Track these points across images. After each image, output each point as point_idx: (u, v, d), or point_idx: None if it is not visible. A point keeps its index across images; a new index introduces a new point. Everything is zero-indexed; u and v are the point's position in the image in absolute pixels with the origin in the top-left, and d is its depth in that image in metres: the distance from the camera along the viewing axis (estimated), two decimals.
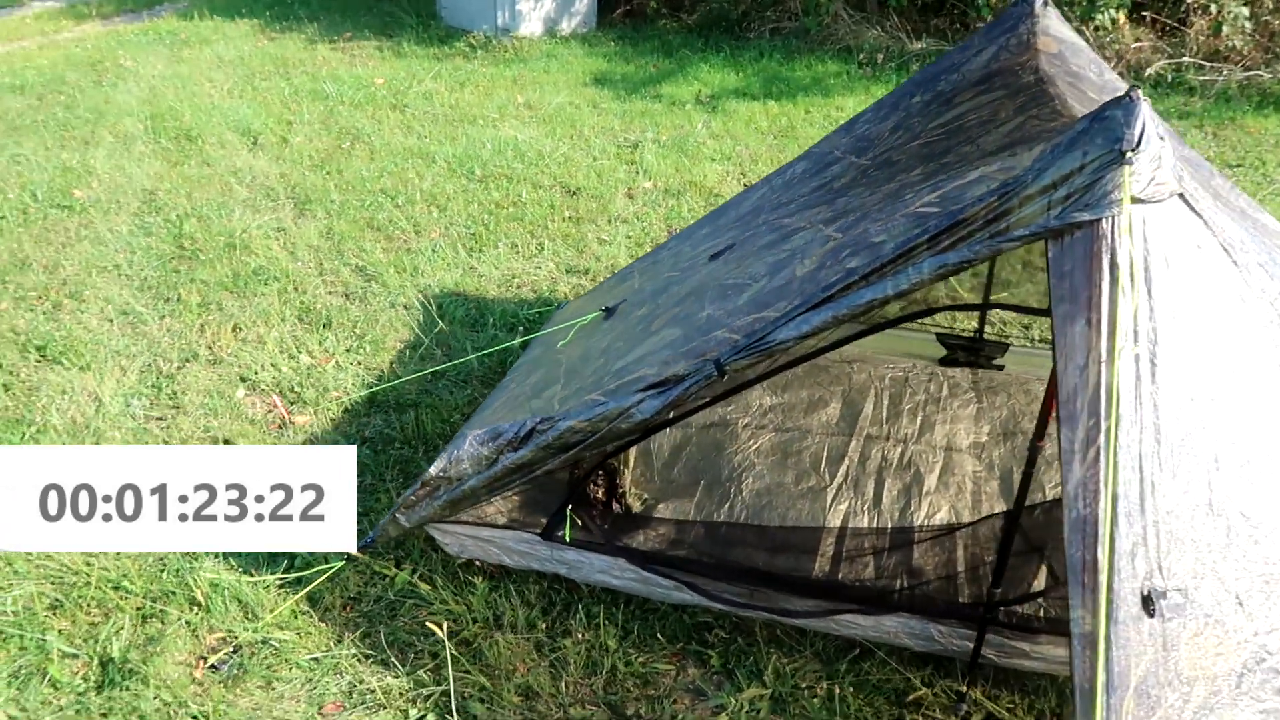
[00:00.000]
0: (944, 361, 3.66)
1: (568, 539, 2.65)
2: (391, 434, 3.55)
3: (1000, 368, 3.58)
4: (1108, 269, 1.73)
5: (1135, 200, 1.73)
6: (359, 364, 4.07)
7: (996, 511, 2.83)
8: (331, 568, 2.75)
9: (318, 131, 7.21)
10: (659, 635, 2.66)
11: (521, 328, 4.35)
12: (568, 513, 2.68)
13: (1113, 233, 1.73)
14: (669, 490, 3.00)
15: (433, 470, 2.49)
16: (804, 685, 2.52)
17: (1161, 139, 1.75)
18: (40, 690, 2.44)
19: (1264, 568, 1.72)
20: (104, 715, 2.38)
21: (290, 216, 5.60)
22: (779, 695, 2.49)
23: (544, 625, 2.68)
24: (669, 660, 2.60)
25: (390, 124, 7.46)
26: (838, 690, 2.49)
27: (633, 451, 3.11)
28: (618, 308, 3.23)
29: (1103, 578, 1.66)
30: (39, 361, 3.95)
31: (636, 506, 2.95)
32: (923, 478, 2.97)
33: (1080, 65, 2.94)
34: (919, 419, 3.21)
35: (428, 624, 2.56)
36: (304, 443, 3.51)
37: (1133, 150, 1.71)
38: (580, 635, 2.65)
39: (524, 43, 10.10)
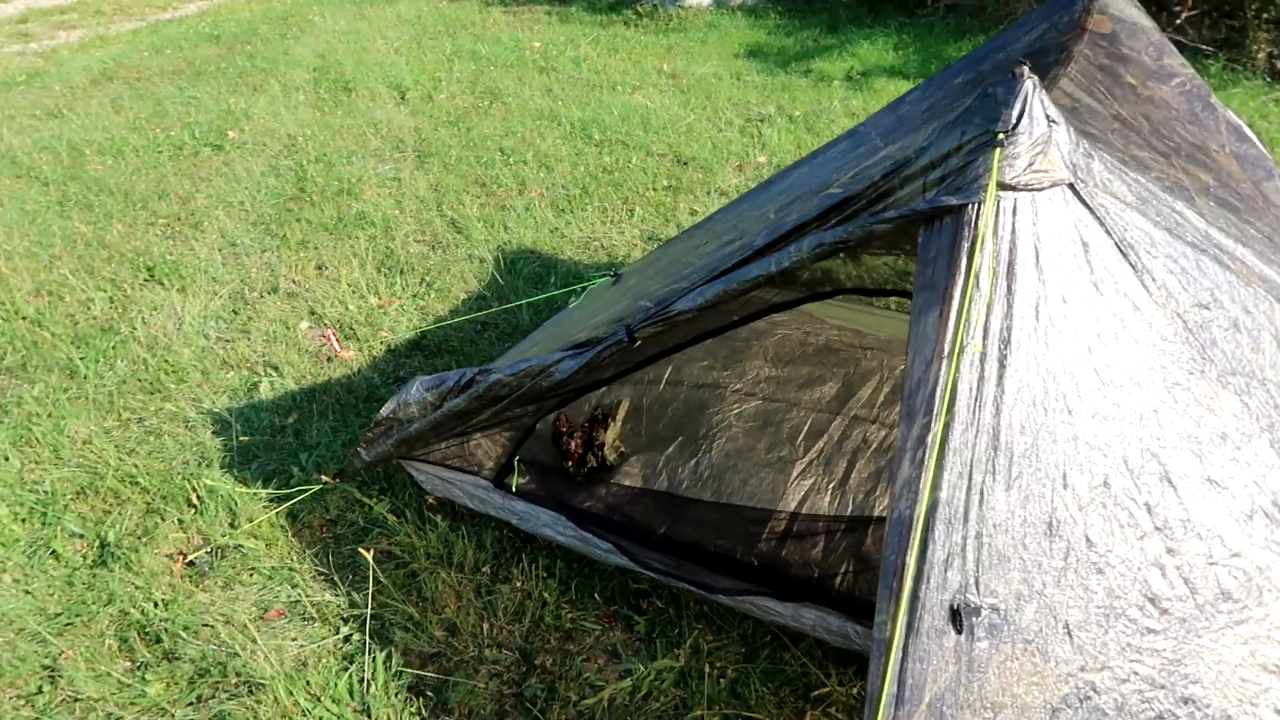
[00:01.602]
0: None
1: (514, 489, 2.72)
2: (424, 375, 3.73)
3: None
4: (965, 259, 1.60)
5: (1004, 187, 1.59)
6: (419, 309, 4.29)
7: None
8: (311, 489, 2.95)
9: (463, 90, 7.54)
10: (596, 595, 2.69)
11: (581, 288, 4.42)
12: (515, 462, 2.74)
13: (976, 220, 1.59)
14: (647, 444, 3.01)
15: (384, 411, 2.62)
16: (718, 664, 2.48)
17: (1053, 122, 1.60)
18: (44, 561, 2.78)
19: (1105, 600, 1.56)
20: (86, 588, 2.69)
21: (409, 168, 5.92)
22: (689, 671, 2.47)
23: (488, 570, 2.77)
24: (597, 620, 2.63)
25: (532, 86, 7.69)
26: (750, 675, 2.44)
27: (625, 404, 3.14)
28: (624, 274, 3.25)
29: (908, 584, 1.56)
30: (145, 280, 4.42)
31: (612, 459, 2.98)
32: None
33: (1134, 48, 2.67)
34: None
35: (360, 550, 2.71)
36: (344, 376, 3.75)
37: (1008, 132, 1.57)
38: (519, 584, 2.72)
39: (689, 12, 10.08)
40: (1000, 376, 1.57)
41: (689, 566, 2.53)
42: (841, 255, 2.43)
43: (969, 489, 1.56)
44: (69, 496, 3.02)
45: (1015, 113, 1.57)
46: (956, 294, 1.59)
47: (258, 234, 4.97)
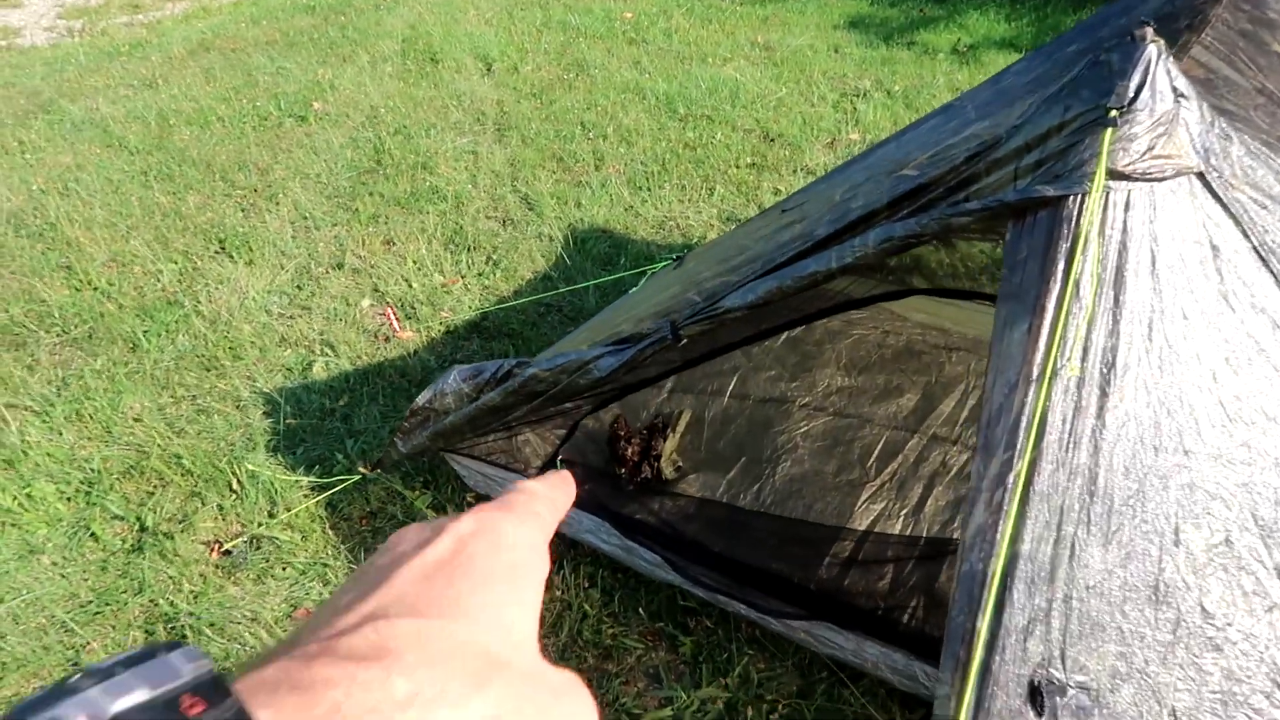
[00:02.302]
0: None
1: None
2: (482, 360, 3.58)
3: None
4: (1063, 262, 1.31)
5: (1116, 175, 1.30)
6: (484, 288, 4.13)
7: None
8: (351, 479, 2.82)
9: (549, 61, 7.35)
10: (640, 609, 2.49)
11: (653, 268, 4.20)
12: (558, 461, 2.55)
13: (1078, 216, 1.31)
14: (706, 462, 2.78)
15: (419, 400, 2.46)
16: (769, 698, 2.26)
17: (1181, 96, 1.30)
18: (83, 544, 2.73)
19: (1223, 684, 1.27)
20: (119, 575, 2.62)
21: (487, 141, 5.78)
22: (736, 703, 2.25)
23: None
24: (640, 638, 2.43)
25: (620, 58, 7.45)
26: (804, 714, 2.21)
27: (686, 416, 2.92)
28: (686, 259, 3.02)
29: (979, 653, 1.30)
30: (216, 253, 4.38)
31: (669, 473, 2.76)
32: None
33: None
34: None
35: None
36: (399, 357, 3.63)
37: (1123, 108, 1.28)
38: (558, 593, 2.54)
39: None
40: (1101, 408, 1.29)
41: (742, 588, 2.30)
42: (934, 243, 2.16)
43: (1057, 542, 1.29)
44: (115, 476, 2.97)
45: (1133, 85, 1.28)
46: (1050, 305, 1.31)
47: (330, 207, 4.89)
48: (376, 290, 4.10)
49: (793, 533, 2.46)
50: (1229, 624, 1.28)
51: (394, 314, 3.89)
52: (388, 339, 3.76)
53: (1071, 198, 1.31)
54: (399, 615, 0.34)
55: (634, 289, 3.16)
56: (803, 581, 2.32)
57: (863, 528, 2.48)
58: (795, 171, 5.27)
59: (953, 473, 2.60)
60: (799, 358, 3.03)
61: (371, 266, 4.28)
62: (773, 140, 5.74)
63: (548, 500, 0.44)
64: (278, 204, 4.90)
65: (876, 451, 2.70)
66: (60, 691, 0.30)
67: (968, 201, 1.44)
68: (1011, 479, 1.31)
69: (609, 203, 4.94)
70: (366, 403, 3.33)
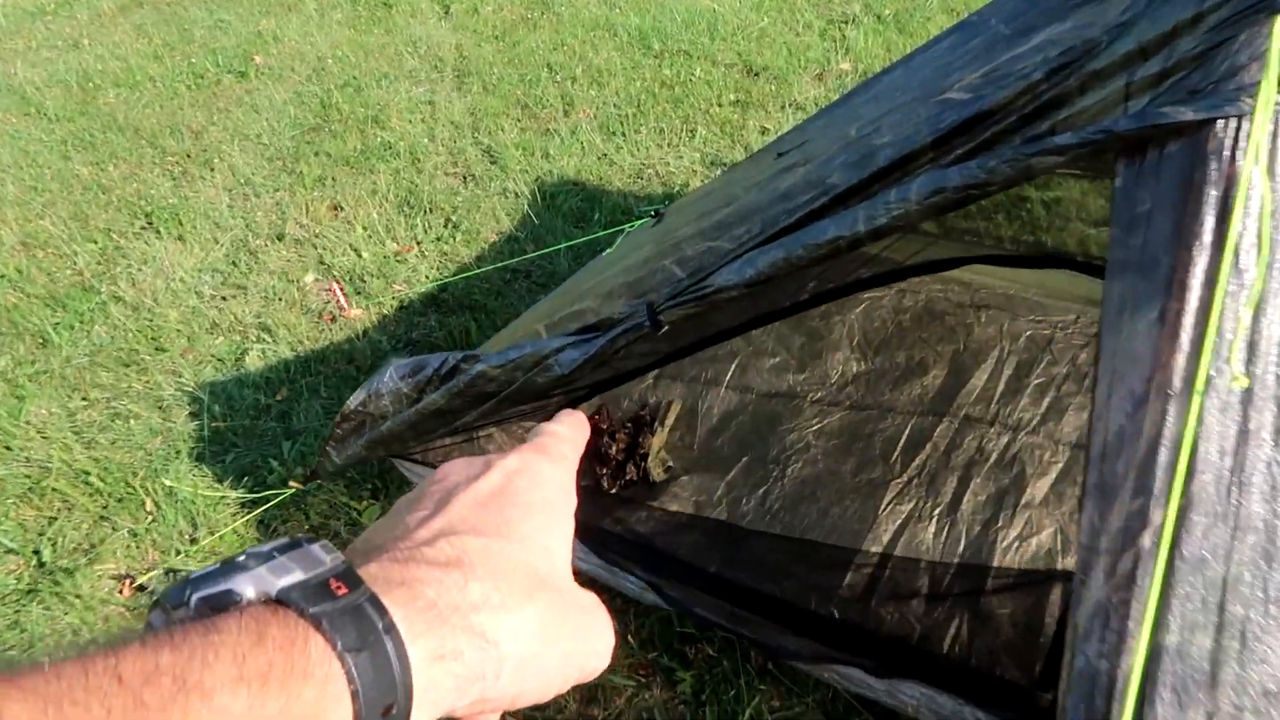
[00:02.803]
0: None
1: None
2: (438, 339, 3.15)
3: None
4: (1213, 218, 0.89)
5: None
6: (443, 254, 3.69)
7: None
8: (284, 494, 2.40)
9: (511, 0, 6.79)
10: (630, 637, 2.11)
11: (629, 226, 3.75)
12: None
13: (1234, 149, 0.88)
14: (703, 462, 2.36)
15: (351, 402, 2.03)
16: None
17: None
18: None
19: None
20: (9, 626, 2.21)
21: (446, 90, 5.27)
22: None
23: None
24: (630, 673, 2.05)
25: None
26: None
27: (677, 407, 2.50)
28: (667, 212, 2.58)
29: None
30: (141, 229, 3.91)
31: (658, 475, 2.35)
32: (1026, 482, 2.12)
33: None
34: (1046, 400, 2.30)
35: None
36: (346, 340, 3.19)
37: None
38: None
39: None
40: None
41: (748, 618, 1.90)
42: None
43: (1220, 630, 0.89)
44: (11, 500, 2.55)
45: None
46: (1196, 281, 0.89)
47: (272, 170, 4.41)
48: (322, 263, 3.65)
49: (806, 550, 2.06)
50: None
51: (341, 289, 3.44)
52: (334, 319, 3.32)
53: (1221, 123, 0.88)
54: (466, 533, 0.41)
55: (607, 251, 2.72)
56: (821, 607, 1.92)
57: (889, 533, 2.07)
58: (783, 108, 4.80)
59: (991, 460, 2.19)
60: (805, 337, 2.59)
61: (316, 236, 3.82)
62: (756, 74, 5.25)
63: (570, 441, 0.53)
64: (212, 170, 4.41)
65: (901, 442, 2.28)
66: (230, 568, 0.35)
67: (1055, 134, 1.01)
68: (1149, 540, 0.90)
69: (580, 152, 4.47)
70: (307, 396, 2.90)
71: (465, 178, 4.29)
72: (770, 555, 2.06)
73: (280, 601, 0.34)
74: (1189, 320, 0.89)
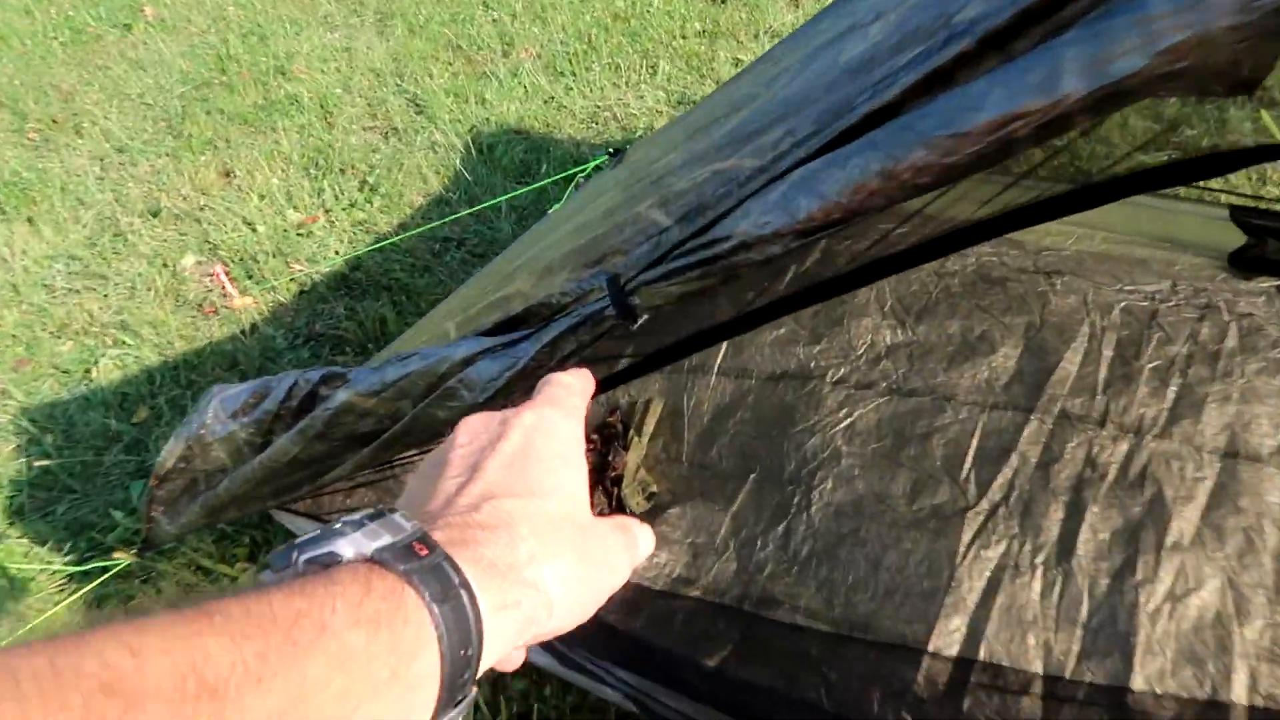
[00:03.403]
0: (1237, 262, 2.02)
1: None
2: (346, 331, 2.47)
3: None
4: None
5: None
6: (357, 223, 2.99)
7: None
8: (116, 566, 1.72)
9: None
10: None
11: (583, 178, 3.07)
12: None
13: None
14: (696, 485, 1.71)
15: (167, 459, 1.35)
16: None
17: None
18: None
19: None
20: None
21: (366, 35, 4.52)
22: None
23: None
24: None
25: None
26: None
27: (658, 408, 1.84)
28: (629, 151, 1.91)
29: None
30: None
31: (637, 505, 1.70)
32: (1168, 511, 1.48)
33: None
34: (1171, 390, 1.66)
35: None
36: (230, 338, 2.50)
37: None
38: None
39: None
40: None
41: None
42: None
43: None
44: None
45: None
46: None
47: (154, 134, 3.67)
48: (207, 242, 2.94)
49: (856, 627, 1.42)
50: None
51: (227, 273, 2.74)
52: (216, 310, 2.63)
53: None
54: (504, 496, 0.44)
55: (555, 206, 2.05)
56: (885, 715, 1.29)
57: (976, 592, 1.43)
58: (757, 36, 4.12)
59: (1109, 477, 1.55)
60: (819, 304, 1.93)
61: (201, 209, 3.10)
62: (724, 1, 4.55)
63: (580, 392, 0.54)
64: (81, 136, 3.66)
65: (972, 449, 1.63)
66: (329, 534, 0.39)
67: None
68: None
69: (523, 96, 3.77)
70: (171, 417, 2.22)
71: (386, 132, 3.58)
72: (802, 638, 1.41)
73: (375, 561, 0.38)
74: None
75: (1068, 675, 1.31)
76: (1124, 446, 1.58)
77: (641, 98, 3.68)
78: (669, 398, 1.87)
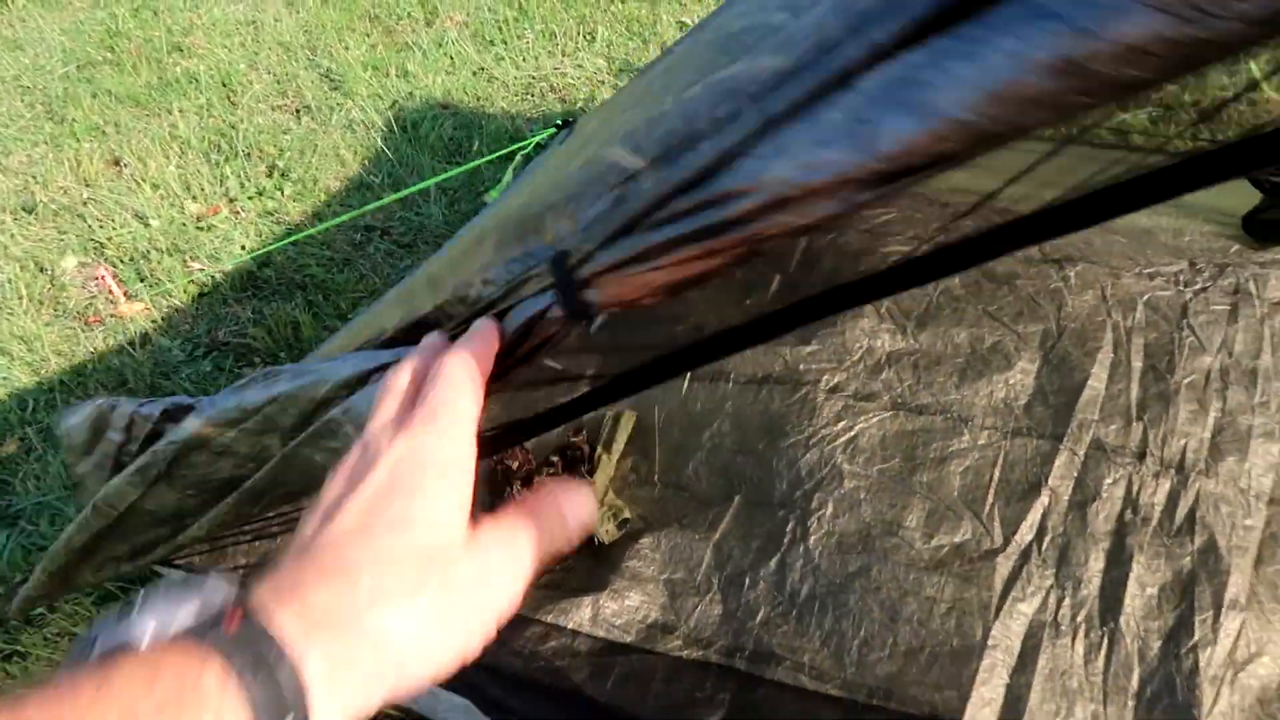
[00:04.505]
0: (1252, 227, 1.78)
1: None
2: (251, 340, 2.14)
3: None
4: None
5: None
6: (265, 213, 2.65)
7: None
8: None
9: None
10: None
11: (522, 155, 2.75)
12: None
13: None
14: (671, 510, 1.43)
15: None
16: None
17: None
18: None
19: None
20: None
21: (274, 6, 4.12)
22: None
23: None
24: None
25: None
26: None
27: (629, 422, 1.55)
28: (581, 121, 1.61)
29: None
30: None
31: (608, 534, 1.41)
32: (1224, 563, 1.24)
33: None
34: (1211, 417, 1.40)
35: None
36: (117, 349, 2.15)
37: None
38: None
39: None
40: None
41: None
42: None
43: None
44: None
45: None
46: None
47: (31, 120, 3.26)
48: (92, 240, 2.58)
49: (862, 661, 1.15)
50: None
51: (114, 276, 2.38)
52: (101, 320, 2.27)
53: None
54: (355, 533, 0.40)
55: (492, 192, 1.75)
56: None
57: (1011, 653, 1.17)
58: None
59: (1155, 518, 1.29)
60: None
61: (85, 203, 2.73)
62: None
63: (469, 386, 0.47)
64: None
65: (994, 480, 1.37)
66: (131, 611, 0.36)
67: None
68: None
69: (449, 67, 3.44)
70: (44, 451, 1.87)
71: (298, 111, 3.22)
72: (813, 703, 1.14)
73: (181, 635, 0.35)
74: None
75: None
76: (1167, 485, 1.33)
77: (580, 66, 3.38)
78: (638, 410, 1.58)
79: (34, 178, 2.87)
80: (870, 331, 1.61)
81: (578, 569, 1.36)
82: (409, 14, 3.92)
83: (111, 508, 0.91)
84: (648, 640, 1.25)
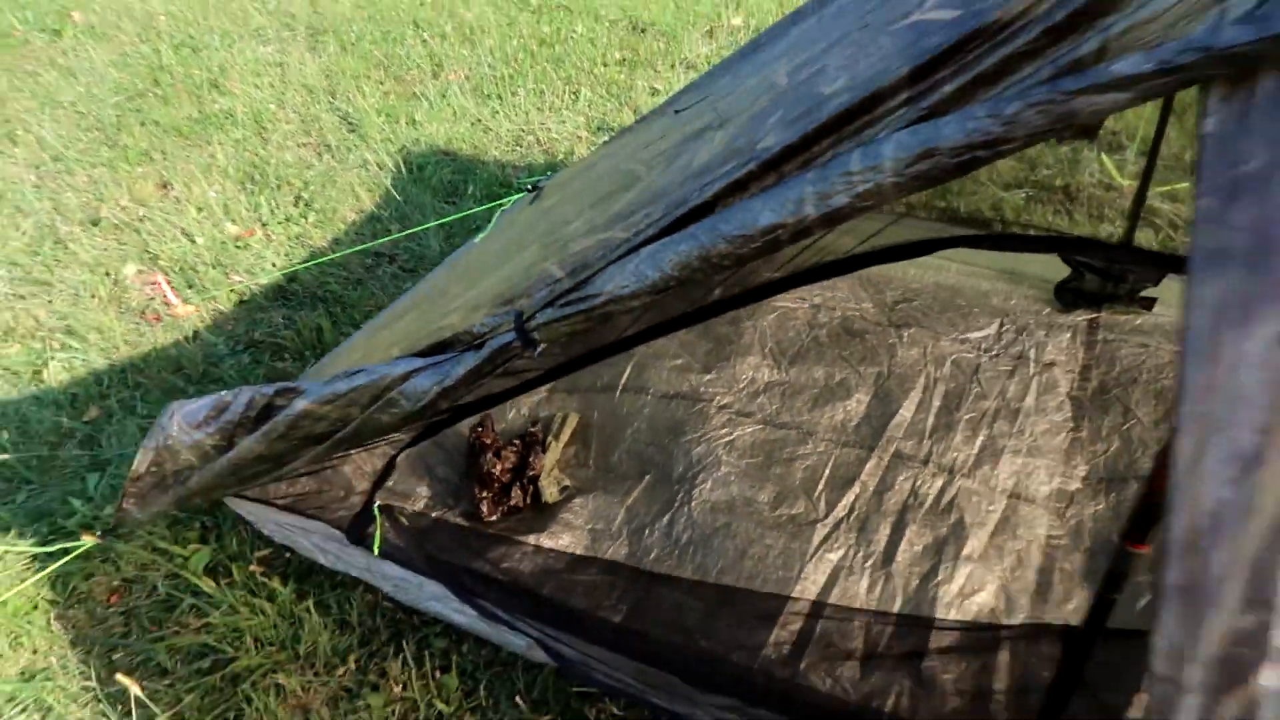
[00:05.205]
0: (1060, 294, 2.41)
1: (376, 549, 1.71)
2: (284, 340, 2.69)
3: (1149, 306, 2.32)
4: None
5: None
6: (293, 237, 3.20)
7: (1071, 614, 1.70)
8: (79, 547, 1.93)
9: None
10: (518, 699, 1.73)
11: (506, 201, 3.33)
12: (375, 511, 1.74)
13: None
14: (600, 481, 2.00)
15: (138, 466, 1.57)
16: None
17: None
18: None
19: None
20: None
21: (298, 50, 4.70)
22: None
23: (352, 664, 1.80)
24: None
25: None
26: None
27: (573, 421, 2.12)
28: (546, 187, 2.19)
29: None
30: None
31: (551, 495, 1.97)
32: (965, 533, 1.84)
33: None
34: (979, 440, 2.02)
35: (119, 677, 1.71)
36: (174, 343, 2.69)
37: None
38: (398, 689, 1.75)
39: None
40: None
41: (658, 676, 1.55)
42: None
43: None
44: None
45: None
46: None
47: (89, 144, 3.80)
48: (147, 252, 3.12)
49: (724, 598, 1.73)
50: None
51: (168, 283, 2.93)
52: (159, 318, 2.81)
53: None
54: None
55: (481, 234, 2.32)
56: (743, 667, 1.59)
57: (817, 583, 1.76)
58: (673, 66, 4.44)
59: (926, 505, 1.90)
60: (712, 343, 2.26)
61: (140, 220, 3.27)
62: (643, 31, 4.87)
63: None
64: (14, 144, 3.78)
65: (825, 476, 1.98)
66: None
67: (1105, 57, 0.68)
68: (1274, 679, 0.59)
69: (451, 117, 4.01)
70: (122, 415, 2.41)
71: (319, 149, 3.78)
72: (684, 602, 1.71)
73: None
74: None
75: (880, 649, 1.64)
76: (939, 482, 1.95)
77: (563, 122, 3.96)
78: (582, 412, 2.15)
79: (96, 195, 3.41)
80: (755, 366, 2.21)
81: (528, 518, 1.92)
82: (417, 65, 4.50)
83: (241, 459, 1.47)
84: (573, 568, 1.82)
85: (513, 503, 1.94)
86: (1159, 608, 0.66)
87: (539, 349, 1.12)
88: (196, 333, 2.74)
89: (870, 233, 2.12)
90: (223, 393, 1.48)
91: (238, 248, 3.13)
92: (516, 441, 2.05)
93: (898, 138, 0.76)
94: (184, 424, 1.46)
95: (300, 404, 1.34)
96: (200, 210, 3.31)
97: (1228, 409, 0.63)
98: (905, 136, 0.75)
